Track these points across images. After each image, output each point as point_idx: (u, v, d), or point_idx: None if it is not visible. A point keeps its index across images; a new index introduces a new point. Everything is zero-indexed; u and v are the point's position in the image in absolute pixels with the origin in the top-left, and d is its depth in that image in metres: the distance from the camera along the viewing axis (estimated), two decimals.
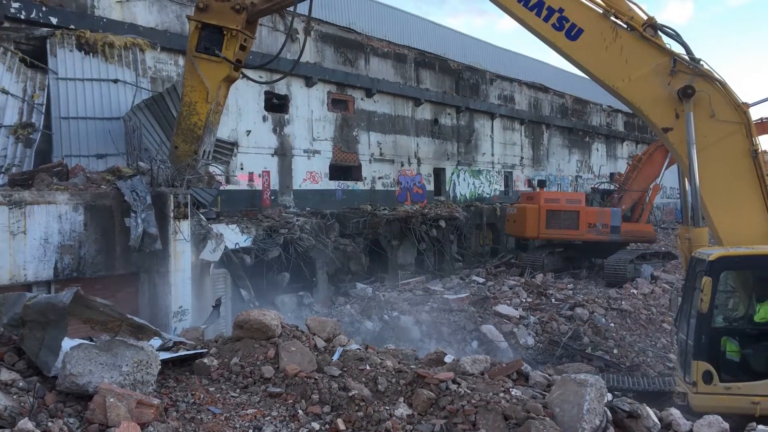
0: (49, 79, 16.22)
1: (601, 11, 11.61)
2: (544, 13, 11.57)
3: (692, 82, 11.13)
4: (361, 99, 26.99)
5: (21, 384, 4.99)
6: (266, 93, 22.54)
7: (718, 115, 11.11)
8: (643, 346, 17.51)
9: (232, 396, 5.97)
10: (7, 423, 4.45)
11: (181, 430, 5.09)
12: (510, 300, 20.01)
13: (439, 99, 31.17)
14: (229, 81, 15.09)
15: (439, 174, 31.74)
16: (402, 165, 29.20)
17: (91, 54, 17.02)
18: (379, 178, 27.95)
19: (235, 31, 14.21)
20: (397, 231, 24.07)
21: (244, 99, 21.06)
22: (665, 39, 11.62)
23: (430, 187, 31.04)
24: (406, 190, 29.39)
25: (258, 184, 22.50)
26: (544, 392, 6.55)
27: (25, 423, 4.38)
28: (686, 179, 11.80)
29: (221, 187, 18.85)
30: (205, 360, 6.45)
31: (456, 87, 32.53)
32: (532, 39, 11.91)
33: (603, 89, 12.28)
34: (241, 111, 21.54)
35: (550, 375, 7.27)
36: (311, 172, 24.74)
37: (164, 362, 5.90)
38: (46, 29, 16.49)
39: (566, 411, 5.92)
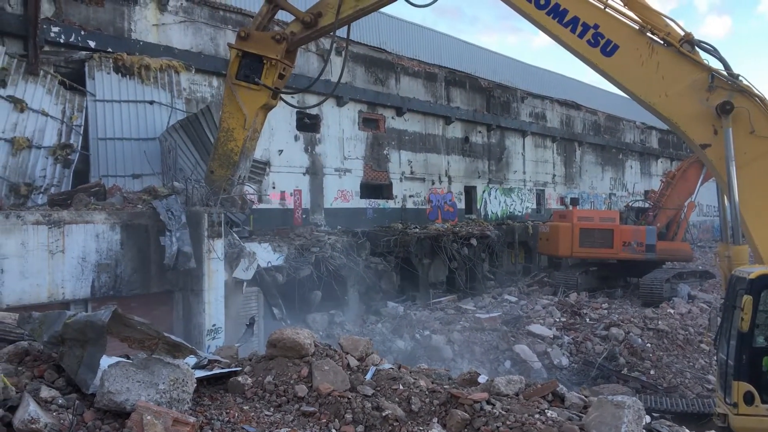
0: (87, 101, 16.59)
1: (636, 27, 11.54)
2: (579, 29, 11.54)
3: (731, 98, 10.97)
4: (392, 118, 27.10)
5: (60, 401, 5.04)
6: (298, 113, 22.76)
7: (757, 131, 10.92)
8: (681, 367, 17.13)
9: (266, 414, 5.96)
10: None
11: None
12: (543, 319, 19.77)
13: (470, 117, 31.16)
14: (267, 108, 15.32)
15: (470, 192, 31.65)
16: (433, 183, 29.18)
17: (127, 76, 17.39)
18: (410, 196, 27.95)
19: (275, 60, 14.44)
20: (428, 249, 24.00)
21: (276, 119, 21.27)
22: (703, 55, 11.49)
23: (461, 205, 30.95)
24: (437, 208, 29.34)
25: (290, 203, 22.66)
26: (580, 414, 6.43)
27: None
28: (725, 196, 11.60)
29: (253, 206, 19.02)
30: (240, 378, 6.45)
31: (487, 105, 32.50)
32: (567, 55, 11.89)
33: (638, 105, 12.17)
34: (274, 130, 21.76)
35: (586, 396, 7.13)
36: (342, 190, 24.85)
37: (199, 380, 5.91)
38: (84, 53, 16.90)
39: None
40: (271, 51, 14.47)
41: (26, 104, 15.41)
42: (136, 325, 5.38)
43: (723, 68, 11.34)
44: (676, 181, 26.20)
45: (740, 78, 11.17)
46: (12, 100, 15.19)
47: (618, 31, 11.60)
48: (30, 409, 4.58)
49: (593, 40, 11.57)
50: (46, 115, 15.81)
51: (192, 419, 5.06)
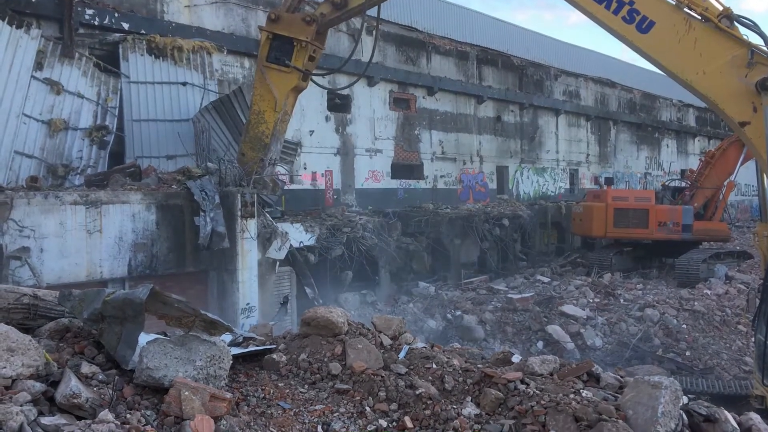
0: (121, 83, 16.78)
1: (673, 2, 11.26)
2: (614, 5, 11.31)
3: None
4: (423, 97, 26.92)
5: (101, 377, 5.15)
6: (329, 93, 22.73)
7: None
8: (718, 348, 16.90)
9: (301, 391, 6.03)
10: (88, 414, 4.60)
11: (252, 424, 5.16)
12: (576, 300, 19.63)
13: (502, 96, 30.82)
14: (297, 91, 15.35)
15: (502, 172, 31.39)
16: (464, 163, 28.99)
17: (160, 58, 17.52)
18: (441, 176, 27.82)
19: (305, 42, 14.43)
20: (460, 230, 23.93)
21: (307, 99, 21.26)
22: (742, 30, 11.18)
23: (493, 185, 30.72)
24: (468, 188, 29.16)
25: (321, 184, 22.73)
26: (615, 394, 6.37)
27: (106, 414, 4.53)
28: (764, 175, 11.33)
29: (285, 187, 19.14)
30: (274, 356, 6.52)
31: (519, 83, 32.10)
32: (603, 32, 11.65)
33: (675, 83, 11.91)
34: (305, 111, 21.78)
35: (621, 377, 7.07)
36: (373, 171, 24.83)
37: (235, 357, 5.99)
38: (118, 35, 17.05)
39: (640, 414, 5.74)
40: (301, 33, 14.46)
41: (62, 86, 15.64)
42: (174, 303, 5.46)
43: (763, 44, 11.03)
44: (715, 161, 25.67)
45: None
46: (48, 82, 15.43)
47: (654, 7, 11.33)
48: (71, 384, 4.69)
49: (628, 17, 11.33)
50: (82, 97, 16.03)
51: (228, 395, 5.14)
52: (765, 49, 10.95)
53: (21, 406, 4.34)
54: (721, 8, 11.17)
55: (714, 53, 11.09)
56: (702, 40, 11.12)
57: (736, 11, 11.12)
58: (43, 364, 4.94)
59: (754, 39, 11.14)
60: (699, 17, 11.20)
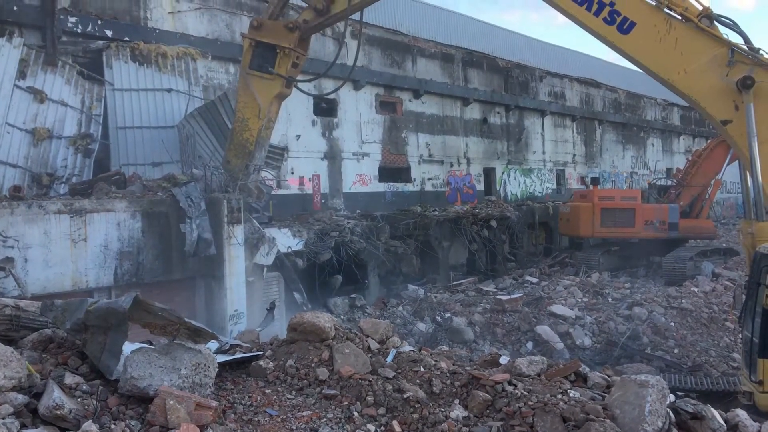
0: (105, 91, 16.70)
1: (653, 3, 11.35)
2: (595, 7, 11.38)
3: (752, 73, 10.78)
4: (409, 100, 26.94)
5: (84, 387, 5.11)
6: (315, 97, 22.69)
7: None
8: (706, 345, 16.98)
9: (288, 398, 6.01)
10: (71, 425, 4.56)
11: (239, 431, 5.14)
12: (565, 300, 19.66)
13: (488, 98, 30.89)
14: (281, 98, 15.34)
15: (489, 173, 31.45)
16: (451, 165, 29.02)
17: (145, 65, 17.45)
18: (429, 179, 27.84)
19: (288, 49, 14.42)
20: (448, 232, 23.93)
21: (293, 104, 21.19)
22: (722, 29, 11.29)
23: (481, 186, 30.77)
24: (456, 190, 29.20)
25: (308, 188, 22.67)
26: (603, 394, 6.40)
27: (89, 425, 4.48)
28: (748, 173, 11.42)
29: (272, 192, 19.08)
30: (261, 362, 6.51)
31: (505, 85, 32.20)
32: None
33: (658, 83, 11.99)
34: (291, 116, 21.72)
35: (609, 376, 7.09)
36: (361, 174, 24.81)
37: (221, 365, 5.97)
38: (101, 42, 16.96)
39: (627, 413, 5.77)
40: (284, 40, 14.45)
41: (46, 95, 15.54)
42: (158, 311, 5.43)
43: (743, 42, 11.14)
44: (702, 160, 25.86)
45: (761, 52, 10.97)
46: (32, 91, 15.32)
47: (635, 8, 11.42)
48: (54, 395, 4.65)
49: (609, 18, 11.41)
50: (66, 105, 15.94)
51: (214, 403, 5.12)
52: (745, 47, 11.06)
53: (3, 418, 4.30)
54: (700, 8, 11.28)
55: (695, 52, 11.19)
56: (683, 40, 11.22)
57: (721, 10, 11.26)
58: (25, 375, 4.90)
59: (734, 38, 11.27)
60: (679, 17, 11.30)
